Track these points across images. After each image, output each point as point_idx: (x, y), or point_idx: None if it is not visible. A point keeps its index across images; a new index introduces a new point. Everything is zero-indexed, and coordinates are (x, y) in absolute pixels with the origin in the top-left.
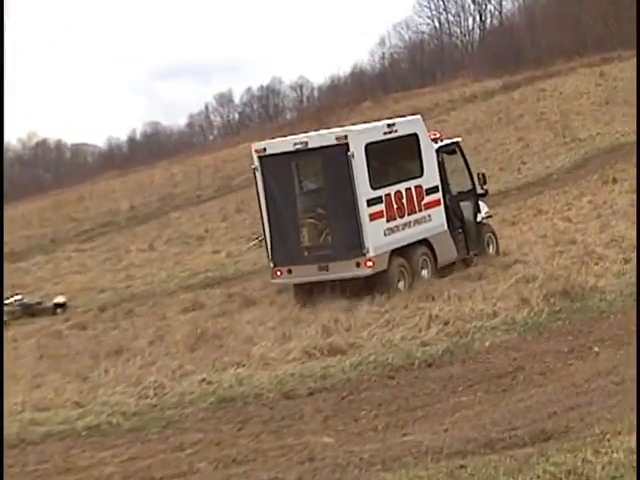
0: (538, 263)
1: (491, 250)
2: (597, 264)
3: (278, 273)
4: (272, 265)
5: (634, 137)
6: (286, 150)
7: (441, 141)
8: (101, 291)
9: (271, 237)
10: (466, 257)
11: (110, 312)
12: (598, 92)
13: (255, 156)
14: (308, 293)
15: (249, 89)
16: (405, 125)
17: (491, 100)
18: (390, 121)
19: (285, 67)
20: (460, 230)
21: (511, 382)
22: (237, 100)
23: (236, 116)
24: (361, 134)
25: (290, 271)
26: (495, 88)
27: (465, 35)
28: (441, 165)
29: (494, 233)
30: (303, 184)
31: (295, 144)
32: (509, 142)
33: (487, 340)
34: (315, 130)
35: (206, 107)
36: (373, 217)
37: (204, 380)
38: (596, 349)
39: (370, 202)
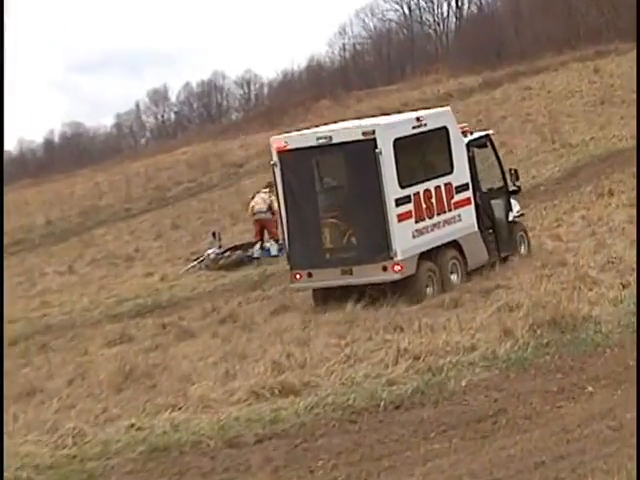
0: (523, 288)
1: (523, 250)
2: (591, 290)
3: (297, 277)
4: (290, 268)
5: (633, 142)
6: (308, 145)
7: (471, 134)
8: (11, 321)
9: (290, 238)
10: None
11: (21, 346)
12: (592, 90)
13: (275, 151)
14: (327, 298)
15: (187, 85)
16: (434, 118)
17: (469, 99)
18: (418, 114)
19: (229, 59)
20: (491, 230)
21: (492, 427)
22: (173, 98)
23: (172, 116)
24: (389, 129)
25: (310, 275)
26: (474, 85)
27: (439, 24)
28: (471, 160)
29: (526, 232)
30: (325, 181)
31: (318, 138)
32: None
33: (464, 378)
34: (266, 132)
35: (137, 105)
36: (401, 218)
37: (133, 426)
38: (590, 389)
39: (398, 202)
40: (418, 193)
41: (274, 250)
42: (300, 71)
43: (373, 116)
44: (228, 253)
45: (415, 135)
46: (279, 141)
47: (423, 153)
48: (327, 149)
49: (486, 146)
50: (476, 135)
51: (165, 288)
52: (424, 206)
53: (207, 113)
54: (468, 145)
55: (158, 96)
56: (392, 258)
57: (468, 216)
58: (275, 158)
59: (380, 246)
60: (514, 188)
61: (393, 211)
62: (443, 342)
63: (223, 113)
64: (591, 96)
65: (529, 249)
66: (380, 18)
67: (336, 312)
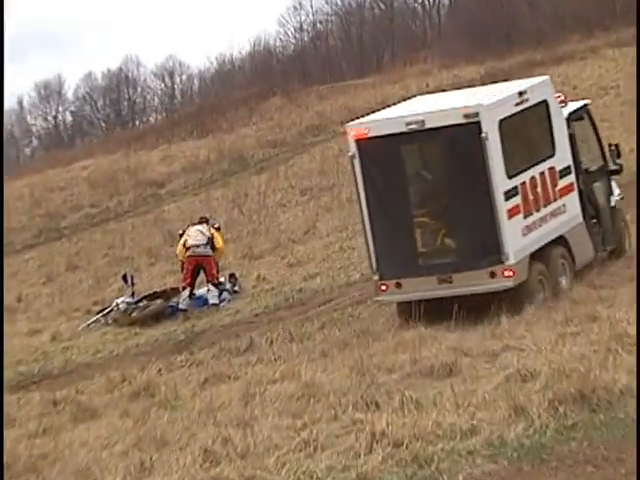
0: (540, 350)
1: (627, 245)
2: (631, 353)
3: (383, 288)
4: (377, 278)
5: None
6: (395, 132)
7: (566, 105)
8: None
9: (375, 243)
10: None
11: None
12: (632, 86)
13: (353, 141)
14: (417, 312)
15: (89, 75)
16: (536, 91)
17: None
18: (520, 87)
19: (145, 41)
20: (594, 220)
21: None
22: (70, 93)
23: (68, 117)
24: (494, 109)
25: (399, 285)
26: (474, 79)
27: None
28: (572, 138)
29: (626, 221)
30: (417, 174)
31: (408, 124)
32: None
33: (461, 471)
34: (195, 140)
35: (20, 103)
36: (511, 213)
37: None
38: None
39: (507, 194)
40: (524, 183)
41: (212, 298)
42: (242, 58)
43: (343, 117)
44: (144, 303)
45: (518, 113)
46: (359, 128)
47: (526, 134)
48: (419, 136)
49: (583, 119)
50: (574, 106)
51: (57, 351)
52: (531, 197)
53: (116, 114)
54: (568, 120)
55: (49, 90)
56: (503, 262)
57: (573, 205)
58: (353, 149)
59: (488, 249)
60: (615, 167)
61: (503, 206)
62: (433, 423)
63: (138, 114)
64: (630, 93)
65: (630, 244)
66: None
67: (290, 382)
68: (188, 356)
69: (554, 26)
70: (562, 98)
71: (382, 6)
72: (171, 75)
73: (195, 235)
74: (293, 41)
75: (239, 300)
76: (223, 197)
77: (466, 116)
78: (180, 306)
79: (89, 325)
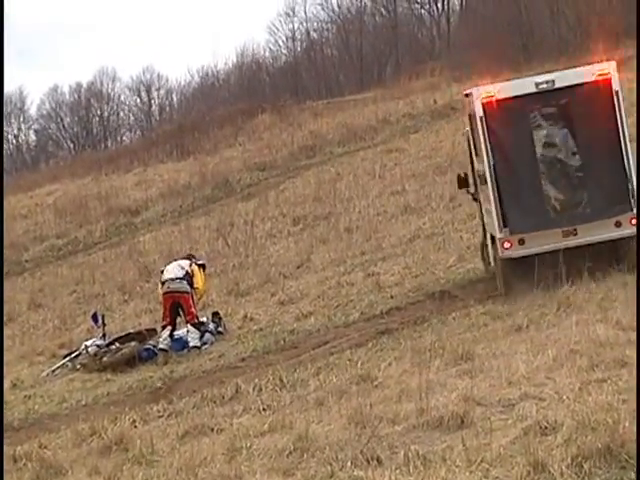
0: (562, 399)
1: None
2: None
3: (507, 245)
4: (502, 236)
5: None
6: (526, 92)
7: None
8: None
9: (501, 202)
10: None
11: None
12: None
13: (480, 103)
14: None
15: (56, 89)
16: None
17: None
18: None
19: (120, 51)
20: None
21: None
22: (33, 109)
23: (32, 137)
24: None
25: (522, 241)
26: None
27: (437, 2)
28: None
29: None
30: (546, 134)
31: (538, 84)
32: None
33: None
34: (174, 163)
35: None
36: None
37: None
38: None
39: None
40: None
41: (193, 340)
42: (227, 71)
43: (337, 138)
44: (116, 345)
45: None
46: (487, 91)
47: None
48: (548, 95)
49: None
50: None
51: (18, 400)
52: None
53: (85, 133)
54: None
55: (9, 107)
56: (632, 209)
57: None
58: (480, 112)
59: (616, 198)
60: None
61: (632, 157)
62: None
63: (110, 133)
64: None
65: None
66: None
67: (282, 432)
68: (166, 406)
69: (577, 35)
70: None
71: (384, 12)
72: (148, 89)
73: (172, 269)
74: (285, 51)
75: (223, 342)
76: (206, 226)
77: (600, 75)
78: (160, 346)
79: (54, 371)
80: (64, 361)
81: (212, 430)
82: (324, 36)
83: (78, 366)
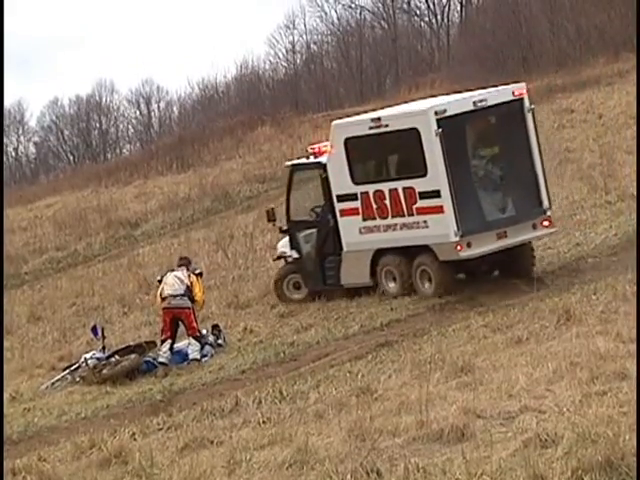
0: (562, 412)
1: None
2: None
3: (458, 248)
4: (457, 239)
5: None
6: (464, 110)
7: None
8: None
9: (454, 208)
10: None
11: None
12: None
13: (434, 119)
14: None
15: (56, 102)
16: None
17: None
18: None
19: (120, 64)
20: None
21: None
22: (33, 121)
23: (31, 149)
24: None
25: (470, 244)
26: None
27: (437, 15)
28: None
29: None
30: (480, 146)
31: (475, 102)
32: None
33: None
34: (174, 175)
35: None
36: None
37: None
38: None
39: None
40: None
41: (193, 352)
42: (227, 83)
43: None
44: (116, 358)
45: None
46: (439, 108)
47: None
48: (482, 112)
49: None
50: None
51: (17, 413)
52: None
53: (85, 145)
54: None
55: (9, 119)
56: (544, 212)
57: None
58: (435, 125)
59: (531, 203)
60: None
61: (540, 166)
62: None
63: (110, 146)
64: None
65: None
66: (346, 5)
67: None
68: (166, 418)
69: (577, 48)
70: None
71: (384, 25)
72: (147, 102)
73: (172, 283)
74: (284, 64)
75: (223, 355)
76: (205, 239)
77: (518, 94)
78: (160, 359)
79: (53, 384)
80: (64, 374)
81: (212, 443)
82: (324, 48)
83: (78, 379)
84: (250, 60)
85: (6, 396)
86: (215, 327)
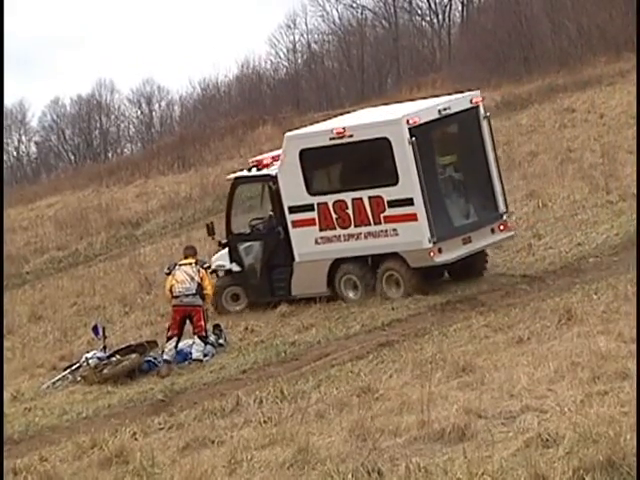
0: (563, 412)
1: None
2: None
3: (431, 254)
4: (431, 245)
5: None
6: (431, 118)
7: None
8: None
9: (427, 216)
10: None
11: None
12: None
13: (407, 127)
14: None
15: (57, 101)
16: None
17: None
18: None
19: (121, 63)
20: None
21: None
22: (34, 121)
23: (32, 149)
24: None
25: (440, 250)
26: (489, 106)
27: (437, 13)
28: None
29: None
30: (445, 152)
31: (440, 110)
32: (512, 200)
33: None
34: (175, 174)
35: None
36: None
37: None
38: None
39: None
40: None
41: (197, 352)
42: (228, 82)
43: None
44: (117, 358)
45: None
46: (412, 117)
47: None
48: (445, 120)
49: None
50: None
51: (18, 412)
52: None
53: (86, 145)
54: None
55: (11, 119)
56: (501, 217)
57: None
58: (407, 134)
59: (489, 208)
60: None
61: (496, 171)
62: None
63: (111, 145)
64: None
65: None
66: (347, 4)
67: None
68: (167, 418)
69: (579, 47)
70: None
71: (385, 24)
72: (149, 101)
73: (183, 280)
74: (285, 63)
75: (224, 355)
76: (206, 238)
77: (475, 102)
78: (165, 357)
79: (54, 383)
80: (64, 373)
81: (213, 442)
82: (325, 48)
83: (79, 378)
84: (251, 59)
85: (7, 396)
86: (216, 327)
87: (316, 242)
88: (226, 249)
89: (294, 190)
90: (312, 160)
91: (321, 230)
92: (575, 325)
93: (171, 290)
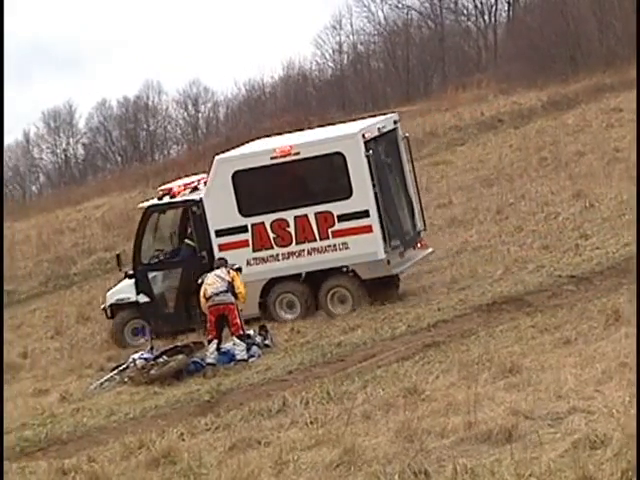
0: (611, 413)
1: None
2: None
3: (388, 265)
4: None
5: None
6: (375, 135)
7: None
8: None
9: (381, 227)
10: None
11: None
12: None
13: (362, 141)
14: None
15: (104, 103)
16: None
17: (528, 127)
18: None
19: (167, 65)
20: None
21: None
22: (81, 123)
23: (80, 151)
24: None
25: (389, 262)
26: (535, 106)
27: (483, 13)
28: None
29: None
30: (386, 169)
31: (379, 128)
32: (559, 200)
33: None
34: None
35: (25, 134)
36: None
37: None
38: None
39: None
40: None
41: (240, 353)
42: (273, 84)
43: None
44: (164, 358)
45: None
46: (365, 132)
47: None
48: (382, 139)
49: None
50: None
51: (67, 413)
52: None
53: (133, 147)
54: None
55: (58, 120)
56: (419, 235)
57: None
58: (363, 149)
59: (410, 227)
60: None
61: (414, 192)
62: None
63: (157, 147)
64: None
65: None
66: (393, 5)
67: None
68: (213, 419)
69: (626, 46)
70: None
71: (431, 25)
72: (195, 103)
73: (213, 282)
74: (331, 64)
75: (270, 355)
76: None
77: (395, 123)
78: (208, 360)
79: (102, 384)
80: (112, 374)
81: (259, 443)
82: (370, 49)
83: (126, 379)
84: (297, 61)
85: (56, 396)
86: (262, 328)
87: (248, 263)
88: (128, 280)
89: (222, 213)
90: (247, 181)
91: (255, 251)
92: (622, 326)
93: (205, 295)
